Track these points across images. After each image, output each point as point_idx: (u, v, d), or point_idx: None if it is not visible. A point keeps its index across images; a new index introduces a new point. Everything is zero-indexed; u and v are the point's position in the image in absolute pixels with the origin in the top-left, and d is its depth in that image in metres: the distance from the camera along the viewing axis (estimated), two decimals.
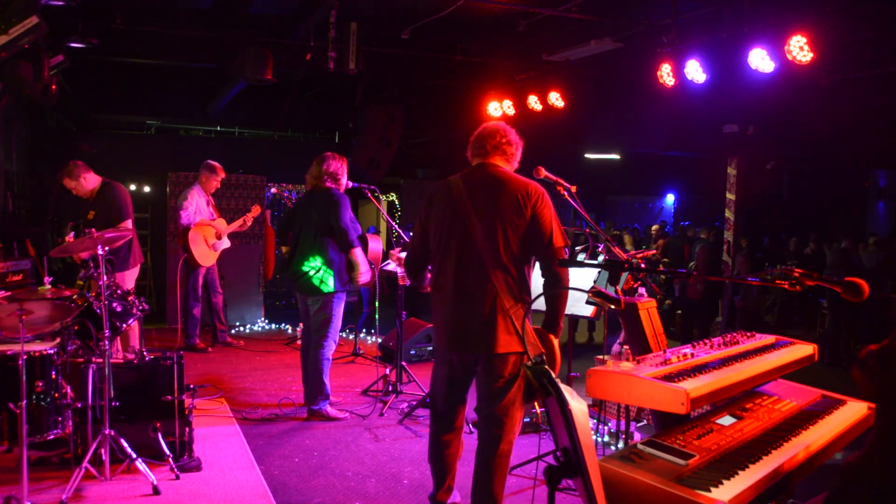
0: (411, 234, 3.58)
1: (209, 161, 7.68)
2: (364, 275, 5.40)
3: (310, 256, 5.31)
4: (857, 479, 2.26)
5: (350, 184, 5.89)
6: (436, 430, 3.55)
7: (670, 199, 20.84)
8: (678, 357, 2.97)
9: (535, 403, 3.91)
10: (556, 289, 3.29)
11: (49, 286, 4.59)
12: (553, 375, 2.19)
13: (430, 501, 3.65)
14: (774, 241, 14.74)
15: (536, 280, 5.05)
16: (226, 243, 7.76)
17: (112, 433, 4.01)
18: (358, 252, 5.36)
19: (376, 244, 6.16)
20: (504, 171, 3.36)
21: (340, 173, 5.48)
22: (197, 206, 7.51)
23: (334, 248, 5.32)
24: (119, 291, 4.61)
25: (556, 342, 3.27)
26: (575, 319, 4.95)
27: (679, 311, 10.24)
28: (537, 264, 5.22)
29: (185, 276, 7.60)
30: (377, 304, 7.54)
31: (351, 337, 8.17)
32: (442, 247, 3.31)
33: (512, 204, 3.22)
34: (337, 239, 5.30)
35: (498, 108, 9.49)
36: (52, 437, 4.10)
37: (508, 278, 3.21)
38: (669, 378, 2.68)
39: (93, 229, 4.52)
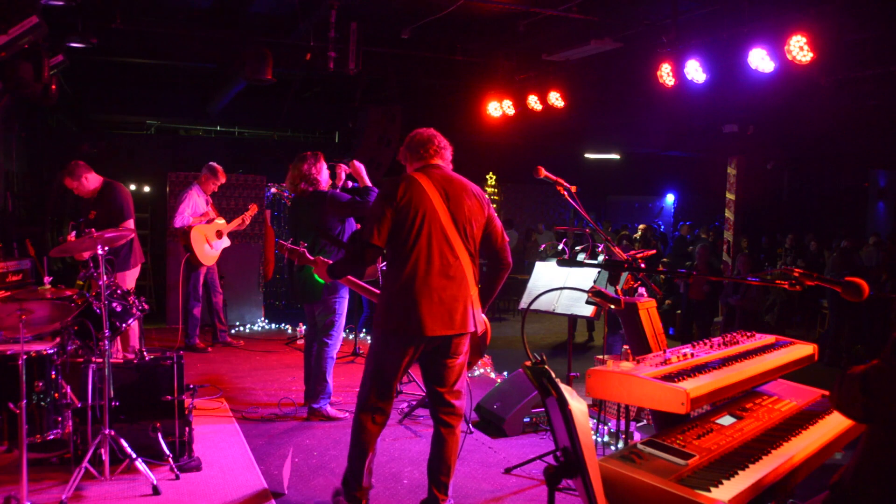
0: (369, 223, 3.58)
1: (213, 164, 7.66)
2: None
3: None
4: (850, 495, 2.25)
5: (349, 183, 5.87)
6: (381, 419, 3.72)
7: (670, 199, 20.84)
8: (678, 357, 2.97)
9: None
10: (500, 279, 3.77)
11: (49, 286, 4.59)
12: (552, 375, 2.19)
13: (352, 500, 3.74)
14: (772, 241, 14.73)
15: (535, 281, 5.08)
16: (226, 242, 7.76)
17: (112, 433, 4.00)
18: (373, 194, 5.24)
19: None
20: (457, 174, 3.70)
21: (315, 173, 5.38)
22: (194, 207, 7.50)
23: (331, 249, 5.32)
24: (119, 291, 4.61)
25: (484, 317, 3.74)
26: (574, 319, 4.95)
27: (679, 311, 10.25)
28: (538, 264, 5.25)
29: (186, 275, 7.60)
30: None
31: (351, 337, 8.17)
32: (421, 238, 3.49)
33: (475, 203, 3.62)
34: (354, 210, 5.27)
35: (498, 108, 9.49)
36: (51, 437, 4.11)
37: (472, 267, 3.60)
38: (669, 378, 2.68)
39: (93, 229, 4.52)
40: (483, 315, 3.70)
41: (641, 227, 14.25)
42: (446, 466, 3.65)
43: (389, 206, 3.49)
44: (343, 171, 5.68)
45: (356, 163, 5.50)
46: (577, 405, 2.12)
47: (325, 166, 5.49)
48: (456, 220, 3.53)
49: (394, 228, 3.49)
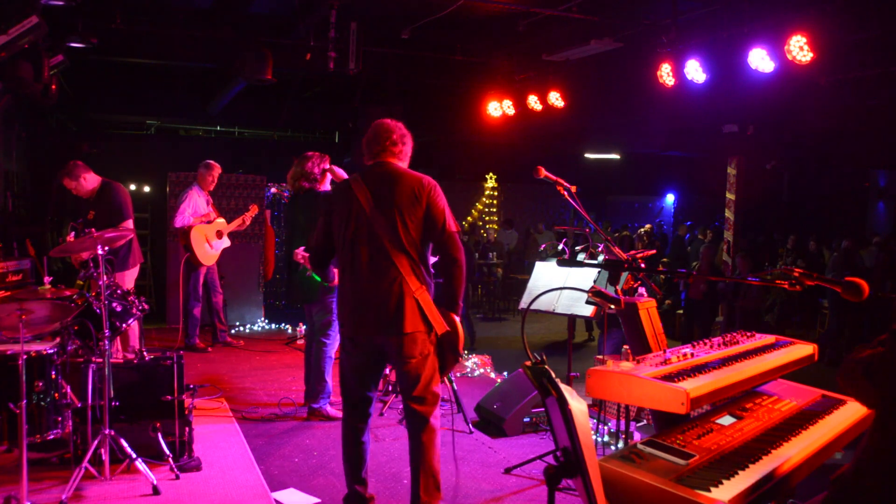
0: (316, 230, 3.80)
1: (206, 161, 7.70)
2: None
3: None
4: (851, 488, 2.25)
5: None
6: (351, 420, 3.67)
7: (670, 199, 20.85)
8: (678, 357, 2.97)
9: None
10: (452, 276, 3.51)
11: (49, 286, 4.59)
12: (552, 375, 2.19)
13: (348, 500, 3.68)
14: (769, 241, 14.73)
15: (535, 282, 5.08)
16: (226, 242, 7.77)
17: (112, 433, 4.00)
18: None
19: None
20: (398, 168, 3.62)
21: (318, 172, 5.42)
22: (194, 207, 7.51)
23: None
24: (119, 291, 4.61)
25: (456, 319, 3.53)
26: (574, 319, 4.95)
27: (680, 311, 10.25)
28: (538, 264, 5.25)
29: (186, 275, 7.61)
30: None
31: None
32: (347, 239, 3.54)
33: (408, 196, 3.48)
34: None
35: (498, 108, 9.49)
36: (51, 437, 4.11)
37: (412, 263, 3.46)
38: (669, 378, 2.68)
39: (93, 229, 4.51)
40: (455, 316, 3.52)
41: (647, 226, 14.30)
42: (415, 474, 3.51)
43: (322, 215, 3.69)
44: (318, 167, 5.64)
45: (336, 168, 5.50)
46: (577, 405, 2.12)
47: (327, 166, 5.49)
48: (386, 219, 3.45)
49: (331, 236, 3.64)
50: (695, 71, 6.50)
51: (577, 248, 5.26)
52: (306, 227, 5.32)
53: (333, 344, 5.41)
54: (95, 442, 3.97)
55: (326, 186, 5.50)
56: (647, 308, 3.52)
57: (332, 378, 5.45)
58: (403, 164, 3.68)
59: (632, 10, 7.27)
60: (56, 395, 4.09)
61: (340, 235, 3.57)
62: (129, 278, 6.09)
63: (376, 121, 3.72)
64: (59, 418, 4.13)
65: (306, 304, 5.48)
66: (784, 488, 2.52)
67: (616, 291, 3.80)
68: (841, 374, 2.35)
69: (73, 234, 5.88)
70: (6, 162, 9.07)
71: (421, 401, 3.50)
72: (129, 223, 6.00)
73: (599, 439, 4.97)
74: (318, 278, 5.29)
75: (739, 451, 2.57)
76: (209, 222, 7.57)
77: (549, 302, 4.82)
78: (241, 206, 9.34)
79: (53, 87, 6.96)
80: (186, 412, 4.37)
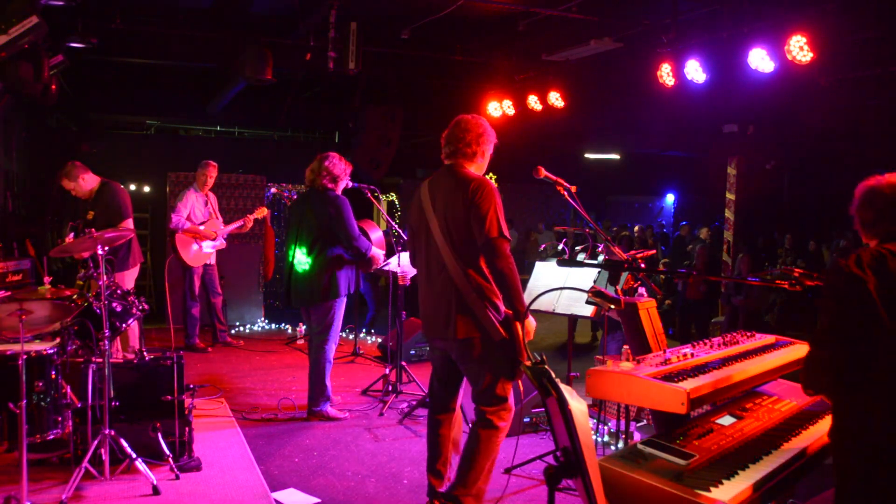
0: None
1: (203, 161, 7.70)
2: (379, 262, 5.59)
3: (309, 263, 5.23)
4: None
5: (350, 184, 5.86)
6: (430, 408, 3.84)
7: (670, 199, 20.85)
8: (678, 357, 2.97)
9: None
10: (497, 278, 3.39)
11: (49, 286, 4.59)
12: (552, 375, 2.19)
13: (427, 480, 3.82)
14: (769, 241, 14.72)
15: (535, 281, 5.08)
16: (221, 244, 7.72)
17: (112, 433, 4.00)
18: (374, 251, 5.43)
19: (377, 233, 6.12)
20: (460, 171, 3.54)
21: (342, 176, 5.36)
22: (192, 208, 7.50)
23: (334, 251, 5.24)
24: (119, 291, 4.61)
25: (520, 328, 3.38)
26: (575, 319, 4.95)
27: (678, 311, 10.25)
28: (538, 264, 5.25)
29: (182, 275, 7.60)
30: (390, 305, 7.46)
31: (351, 337, 8.17)
32: (413, 243, 3.71)
33: (458, 200, 3.43)
34: (345, 246, 5.24)
35: (498, 108, 9.49)
36: (51, 437, 4.10)
37: (464, 268, 3.42)
38: (669, 378, 2.68)
39: (93, 229, 4.51)
40: (518, 324, 3.36)
41: (647, 228, 14.31)
42: (461, 460, 3.59)
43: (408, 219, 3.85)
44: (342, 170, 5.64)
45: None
46: (577, 405, 2.13)
47: (349, 173, 5.46)
48: (440, 223, 3.48)
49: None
50: (695, 71, 6.50)
51: (577, 248, 5.26)
52: (314, 223, 5.25)
53: (333, 347, 5.37)
54: (95, 442, 3.97)
55: (339, 190, 5.44)
56: (647, 308, 3.52)
57: (331, 381, 5.43)
58: (476, 165, 3.60)
59: (632, 10, 7.26)
60: (56, 395, 4.09)
61: (410, 239, 3.75)
62: (129, 278, 6.08)
63: (457, 117, 3.63)
64: (59, 418, 4.13)
65: (305, 309, 5.42)
66: (784, 488, 2.52)
67: (616, 291, 3.80)
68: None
69: (72, 234, 5.88)
70: (6, 162, 9.07)
71: (481, 401, 3.54)
72: (129, 223, 6.00)
73: (599, 439, 4.97)
74: (319, 287, 5.23)
75: (740, 451, 2.58)
76: (203, 224, 7.53)
77: (549, 302, 4.81)
78: (242, 206, 9.34)
79: (53, 87, 6.95)
80: (186, 412, 4.37)
